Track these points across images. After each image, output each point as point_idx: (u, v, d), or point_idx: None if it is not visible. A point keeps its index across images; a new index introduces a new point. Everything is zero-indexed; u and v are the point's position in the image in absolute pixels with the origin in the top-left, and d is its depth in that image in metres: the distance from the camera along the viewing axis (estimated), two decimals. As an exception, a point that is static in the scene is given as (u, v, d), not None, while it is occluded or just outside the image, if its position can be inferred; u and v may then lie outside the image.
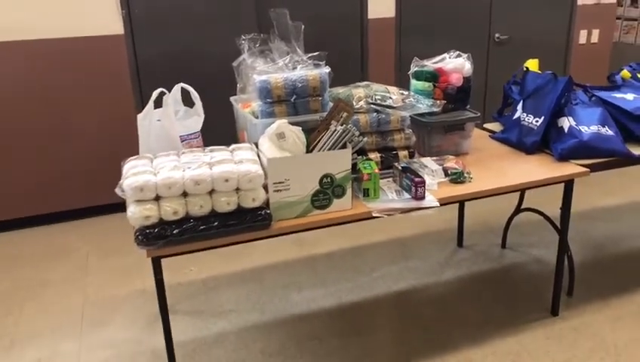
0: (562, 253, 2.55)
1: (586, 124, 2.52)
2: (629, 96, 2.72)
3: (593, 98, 2.70)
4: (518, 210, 3.14)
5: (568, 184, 2.42)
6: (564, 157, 2.44)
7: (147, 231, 1.68)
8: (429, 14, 4.42)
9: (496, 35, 4.61)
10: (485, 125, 2.99)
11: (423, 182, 2.06)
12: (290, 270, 3.08)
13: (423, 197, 2.07)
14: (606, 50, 5.21)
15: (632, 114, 2.60)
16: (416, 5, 4.34)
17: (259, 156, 1.93)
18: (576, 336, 2.46)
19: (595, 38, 5.10)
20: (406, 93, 2.34)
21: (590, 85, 2.82)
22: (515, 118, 2.73)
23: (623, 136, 2.55)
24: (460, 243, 3.31)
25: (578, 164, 2.40)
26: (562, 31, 4.91)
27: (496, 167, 2.42)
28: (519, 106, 2.75)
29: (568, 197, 2.45)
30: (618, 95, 2.73)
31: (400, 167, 2.18)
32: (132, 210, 1.68)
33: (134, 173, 1.71)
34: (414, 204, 2.06)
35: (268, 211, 1.82)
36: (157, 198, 1.69)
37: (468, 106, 2.63)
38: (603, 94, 2.72)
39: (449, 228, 3.40)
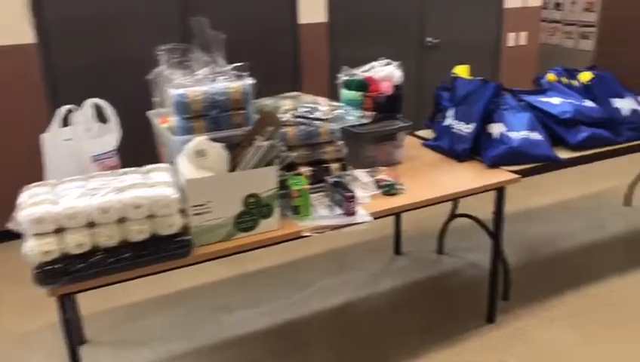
0: (496, 260, 2.54)
1: (515, 129, 2.52)
2: (556, 100, 2.75)
3: (522, 103, 2.72)
4: (453, 215, 3.13)
5: (500, 191, 2.41)
6: (494, 164, 2.43)
7: (48, 267, 1.51)
8: (361, 19, 4.38)
9: (428, 39, 4.63)
10: (418, 132, 2.96)
11: (354, 196, 1.98)
12: (221, 290, 2.93)
13: (354, 213, 2.00)
14: (534, 52, 5.35)
15: (559, 118, 2.63)
16: (348, 10, 4.29)
17: (178, 176, 1.79)
18: (512, 343, 2.45)
19: (523, 41, 5.23)
20: (335, 104, 2.26)
21: (519, 89, 2.84)
22: (445, 125, 2.71)
23: (551, 140, 2.58)
24: (397, 250, 3.27)
25: (509, 170, 2.39)
26: (491, 34, 4.99)
27: (428, 176, 2.38)
28: (450, 113, 2.73)
29: (500, 204, 2.44)
30: (544, 99, 2.76)
31: (331, 182, 2.10)
32: (29, 245, 1.50)
33: (33, 203, 1.54)
34: (346, 219, 1.98)
35: (187, 237, 1.69)
36: (59, 230, 1.52)
37: (400, 115, 2.58)
38: (531, 99, 2.75)
39: (386, 236, 3.35)
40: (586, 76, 2.92)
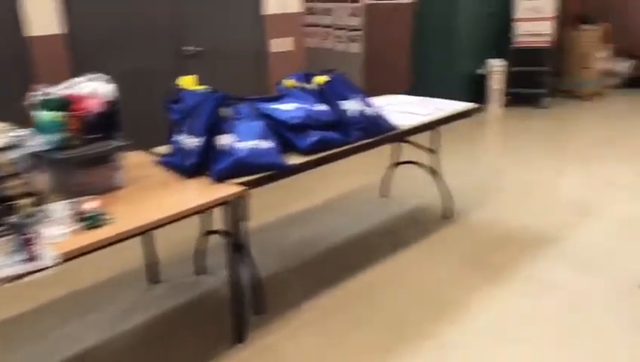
0: (234, 275, 2.43)
1: (245, 139, 2.44)
2: (289, 106, 2.73)
3: (256, 111, 2.66)
4: (207, 232, 2.98)
5: (234, 203, 2.30)
6: (222, 178, 2.32)
7: None
8: (108, 29, 4.03)
9: (187, 48, 4.44)
10: (158, 149, 2.75)
11: (31, 239, 1.69)
12: None
13: (38, 257, 1.70)
14: (301, 57, 5.49)
15: (288, 123, 2.62)
16: (91, 19, 3.92)
17: None
18: (257, 361, 2.36)
19: (289, 46, 5.33)
20: (14, 129, 1.93)
21: (257, 97, 2.78)
22: (177, 139, 2.54)
23: (283, 147, 2.56)
24: (152, 279, 3.01)
25: (238, 183, 2.30)
26: (255, 40, 4.98)
27: (151, 199, 2.18)
28: (182, 127, 2.56)
29: (232, 218, 2.34)
30: (277, 106, 2.72)
31: (12, 223, 1.77)
32: None
33: None
34: (27, 266, 1.68)
35: None
36: None
37: (119, 133, 2.33)
38: (263, 106, 2.70)
39: (142, 266, 3.06)
40: (320, 80, 2.97)
